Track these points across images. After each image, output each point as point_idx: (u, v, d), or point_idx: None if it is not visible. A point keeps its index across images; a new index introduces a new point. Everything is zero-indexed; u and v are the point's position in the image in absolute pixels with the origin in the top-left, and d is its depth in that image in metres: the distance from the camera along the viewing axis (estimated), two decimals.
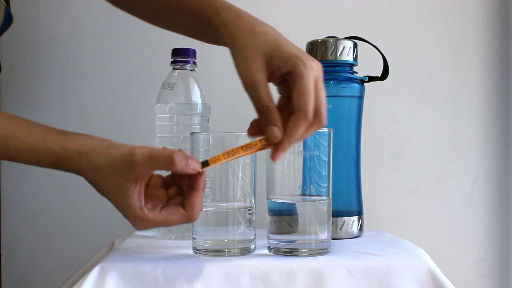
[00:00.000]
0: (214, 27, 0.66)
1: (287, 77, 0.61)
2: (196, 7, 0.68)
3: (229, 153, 0.61)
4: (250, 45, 0.61)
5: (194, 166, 0.60)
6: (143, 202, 0.60)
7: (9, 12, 0.86)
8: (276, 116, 0.59)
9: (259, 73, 0.60)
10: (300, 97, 0.59)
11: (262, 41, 0.61)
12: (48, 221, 1.09)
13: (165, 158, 0.59)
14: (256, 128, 0.61)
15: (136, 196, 0.60)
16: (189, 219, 0.62)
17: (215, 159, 0.61)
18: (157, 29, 1.09)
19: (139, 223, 0.60)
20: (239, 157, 0.62)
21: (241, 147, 0.61)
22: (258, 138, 0.61)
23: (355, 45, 0.89)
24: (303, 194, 0.72)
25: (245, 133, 0.71)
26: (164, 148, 0.62)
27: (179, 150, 0.62)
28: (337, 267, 0.67)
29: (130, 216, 0.60)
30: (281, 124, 0.59)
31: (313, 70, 0.60)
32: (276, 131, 0.59)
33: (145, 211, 0.60)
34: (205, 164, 0.61)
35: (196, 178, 0.61)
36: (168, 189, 0.64)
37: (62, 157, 0.61)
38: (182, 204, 0.62)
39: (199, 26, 0.70)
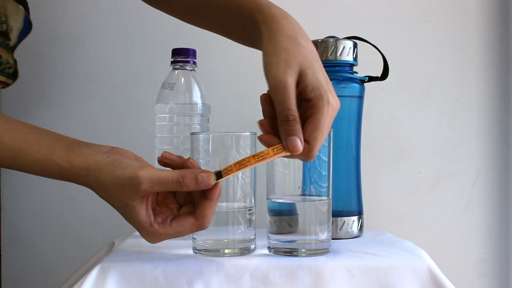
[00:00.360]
0: (254, 23, 0.64)
1: (306, 102, 0.60)
2: (238, 2, 0.67)
3: (241, 163, 0.60)
4: (290, 51, 0.59)
5: (206, 183, 0.60)
6: (152, 218, 0.61)
7: (28, 19, 0.87)
8: (299, 127, 0.58)
9: (293, 80, 0.58)
10: (313, 132, 0.58)
11: (302, 53, 0.59)
12: (48, 221, 1.09)
13: (173, 183, 0.59)
14: (269, 136, 0.60)
15: (145, 213, 0.60)
16: (200, 227, 0.62)
17: (228, 171, 0.60)
18: (157, 29, 1.10)
19: (151, 237, 0.62)
20: (251, 166, 0.60)
21: (253, 157, 0.60)
22: (270, 148, 0.59)
23: (355, 45, 0.89)
24: (303, 194, 0.72)
25: (245, 133, 0.71)
26: (170, 157, 0.63)
27: (188, 161, 0.62)
28: (337, 267, 0.67)
29: (142, 232, 0.61)
30: (302, 137, 0.58)
31: (333, 109, 0.59)
32: (299, 144, 0.58)
33: (156, 226, 0.61)
34: (218, 176, 0.61)
35: (211, 188, 0.61)
36: (176, 194, 0.64)
37: (70, 173, 0.62)
38: (193, 213, 0.62)
39: (237, 22, 0.69)
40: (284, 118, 0.58)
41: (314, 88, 0.59)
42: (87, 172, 0.61)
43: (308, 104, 0.59)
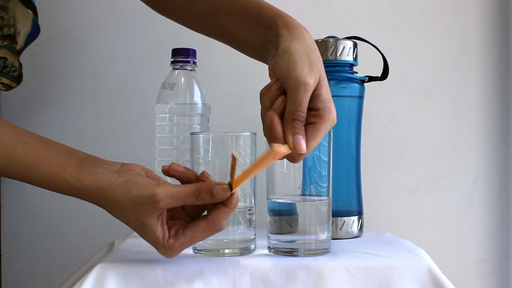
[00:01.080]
0: (273, 28, 0.66)
1: (310, 110, 0.60)
2: (257, 9, 0.69)
3: (248, 172, 0.61)
4: (312, 58, 0.61)
5: (221, 196, 0.61)
6: (167, 234, 0.62)
7: (36, 23, 0.87)
8: (304, 129, 0.60)
9: (314, 85, 0.60)
10: (310, 139, 0.59)
11: (320, 65, 0.61)
12: (48, 221, 1.09)
13: (190, 198, 0.60)
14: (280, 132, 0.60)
15: (161, 229, 0.61)
16: (212, 230, 0.63)
17: (237, 182, 0.61)
18: (157, 29, 1.10)
19: (168, 252, 0.62)
20: (257, 172, 0.61)
21: (256, 164, 0.60)
22: (272, 154, 0.60)
23: (355, 45, 0.89)
24: (303, 194, 0.72)
25: (245, 133, 0.71)
26: (177, 169, 0.63)
27: (203, 174, 0.63)
28: (337, 267, 0.67)
29: (159, 248, 0.62)
30: None
31: (332, 124, 0.61)
32: (304, 143, 0.59)
33: (171, 241, 0.61)
34: (230, 187, 0.61)
35: (229, 197, 0.62)
36: (185, 207, 0.65)
37: (81, 192, 0.63)
38: (205, 217, 0.62)
39: (251, 29, 0.70)
40: (296, 117, 0.59)
41: (325, 100, 0.60)
42: (99, 191, 0.61)
43: (313, 112, 0.60)
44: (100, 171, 0.62)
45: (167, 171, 0.64)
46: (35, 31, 0.89)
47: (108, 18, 1.09)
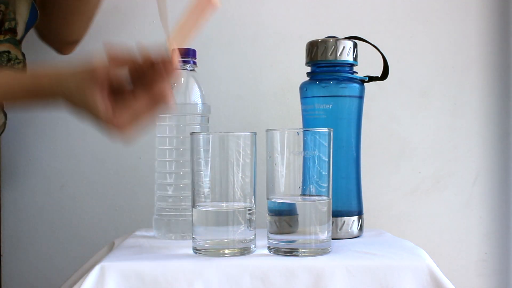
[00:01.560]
0: None
1: None
2: None
3: (182, 29, 0.60)
4: None
5: (156, 53, 0.61)
6: (110, 107, 0.61)
7: (34, 6, 0.88)
8: None
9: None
10: None
11: None
12: (48, 221, 1.09)
13: (127, 58, 0.61)
14: None
15: (102, 101, 0.60)
16: (154, 98, 0.61)
17: (175, 37, 0.60)
18: (157, 29, 1.09)
19: (114, 128, 0.61)
20: (197, 26, 0.60)
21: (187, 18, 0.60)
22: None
23: (355, 45, 0.89)
24: (303, 194, 0.72)
25: (245, 133, 0.71)
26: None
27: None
28: (337, 267, 0.67)
29: (102, 120, 0.61)
30: None
31: None
32: None
33: (114, 113, 0.61)
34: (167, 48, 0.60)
35: (169, 61, 0.61)
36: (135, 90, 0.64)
37: (33, 83, 0.64)
38: (145, 86, 0.62)
39: None
40: None
41: None
42: (49, 80, 0.63)
43: None
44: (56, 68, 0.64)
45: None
46: (33, 16, 0.89)
47: (108, 18, 1.09)
